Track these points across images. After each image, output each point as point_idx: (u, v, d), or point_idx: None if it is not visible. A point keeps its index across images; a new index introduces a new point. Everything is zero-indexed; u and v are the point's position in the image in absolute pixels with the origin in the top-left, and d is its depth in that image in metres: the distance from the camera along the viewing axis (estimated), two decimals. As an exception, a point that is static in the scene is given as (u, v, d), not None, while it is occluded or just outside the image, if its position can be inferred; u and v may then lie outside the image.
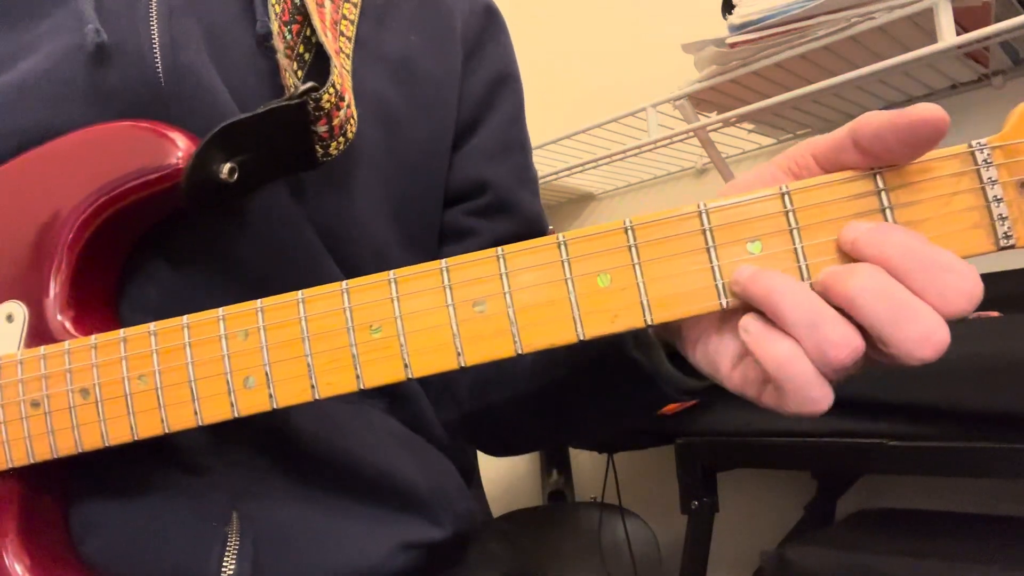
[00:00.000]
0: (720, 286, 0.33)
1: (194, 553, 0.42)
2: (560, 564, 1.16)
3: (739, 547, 1.17)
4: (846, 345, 0.30)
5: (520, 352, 0.34)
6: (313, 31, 0.47)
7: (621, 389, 0.45)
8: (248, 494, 0.44)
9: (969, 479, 0.97)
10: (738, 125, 1.09)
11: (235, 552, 0.42)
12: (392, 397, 0.51)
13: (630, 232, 0.34)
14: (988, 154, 0.32)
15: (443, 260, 0.35)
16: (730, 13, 0.90)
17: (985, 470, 0.72)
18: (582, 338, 0.34)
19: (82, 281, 0.43)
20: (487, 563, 0.54)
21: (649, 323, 0.34)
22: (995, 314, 0.82)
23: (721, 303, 0.33)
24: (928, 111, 0.30)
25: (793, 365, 0.31)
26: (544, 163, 1.23)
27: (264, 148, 0.42)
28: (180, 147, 0.41)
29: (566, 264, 0.34)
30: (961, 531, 0.82)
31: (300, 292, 0.37)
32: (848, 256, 0.32)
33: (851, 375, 0.33)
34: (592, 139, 1.15)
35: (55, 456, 0.40)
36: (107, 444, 0.39)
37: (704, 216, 0.34)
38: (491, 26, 0.61)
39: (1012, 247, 0.32)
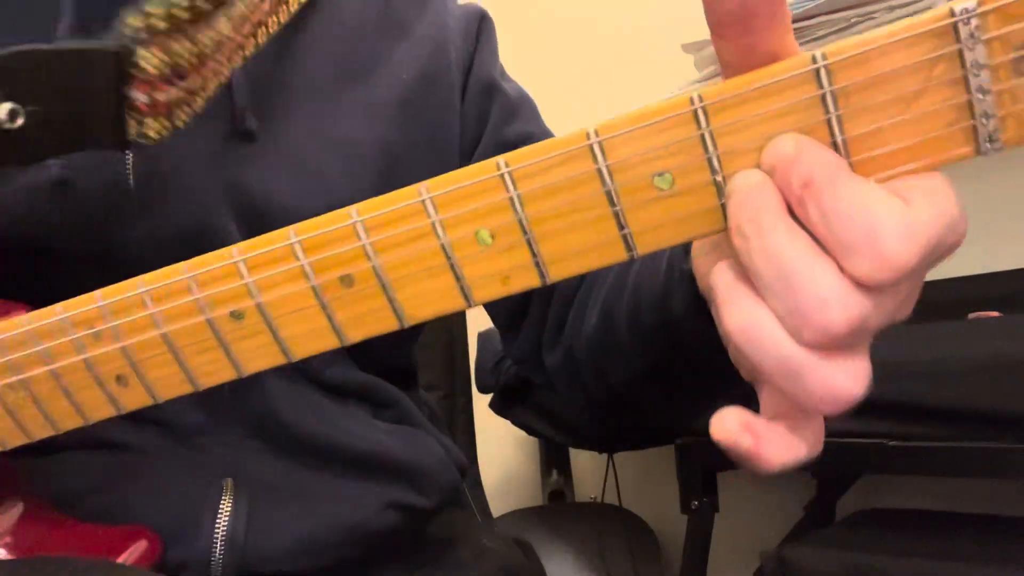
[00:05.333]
0: (628, 235, 0.28)
1: (188, 511, 0.43)
2: (560, 564, 1.16)
3: (739, 547, 1.17)
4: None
5: (404, 326, 0.30)
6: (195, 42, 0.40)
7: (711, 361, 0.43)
8: (241, 463, 0.46)
9: (969, 479, 0.97)
10: (738, 125, 1.08)
11: (228, 510, 0.43)
12: (374, 406, 0.52)
13: (508, 177, 0.28)
14: (976, 25, 0.23)
15: (290, 229, 0.30)
16: (730, 13, 0.90)
17: (985, 470, 0.72)
18: (472, 305, 0.30)
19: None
20: (486, 563, 0.54)
21: (547, 282, 0.29)
22: (995, 314, 0.82)
23: (632, 254, 0.28)
24: None
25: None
26: (544, 163, 1.23)
27: (62, 100, 0.35)
28: None
29: (438, 226, 0.29)
30: (961, 531, 0.82)
31: (138, 280, 0.32)
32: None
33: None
34: (592, 139, 1.15)
35: None
36: None
37: (597, 147, 0.27)
38: (480, 39, 0.60)
39: (1000, 150, 0.24)
